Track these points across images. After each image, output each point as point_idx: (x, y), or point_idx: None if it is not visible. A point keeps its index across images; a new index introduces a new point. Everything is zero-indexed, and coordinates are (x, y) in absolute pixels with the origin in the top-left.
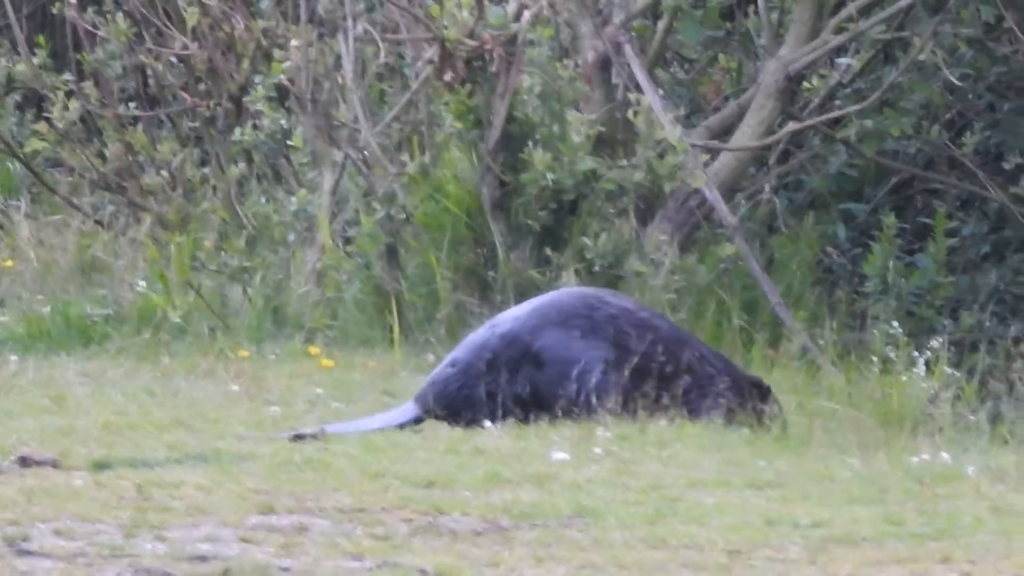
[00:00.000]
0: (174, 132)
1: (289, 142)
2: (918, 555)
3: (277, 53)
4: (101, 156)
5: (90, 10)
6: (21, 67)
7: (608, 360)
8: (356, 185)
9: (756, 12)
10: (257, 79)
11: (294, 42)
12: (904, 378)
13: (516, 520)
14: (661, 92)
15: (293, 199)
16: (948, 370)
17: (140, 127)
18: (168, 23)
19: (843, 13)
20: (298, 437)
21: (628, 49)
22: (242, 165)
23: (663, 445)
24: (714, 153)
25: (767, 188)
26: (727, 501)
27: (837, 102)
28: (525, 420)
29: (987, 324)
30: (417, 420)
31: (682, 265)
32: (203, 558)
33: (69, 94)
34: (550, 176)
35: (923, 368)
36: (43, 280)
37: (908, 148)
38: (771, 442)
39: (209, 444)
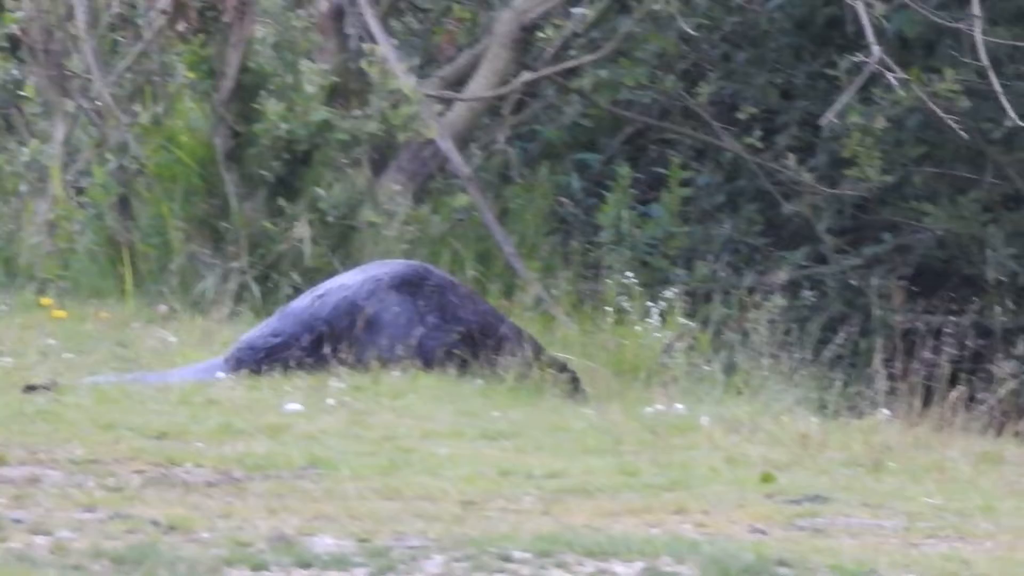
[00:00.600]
0: None
1: (21, 92)
2: (652, 505)
3: (9, 3)
4: None
5: None
6: None
7: (439, 325)
8: (88, 135)
9: None
10: None
11: None
12: (638, 328)
13: (249, 471)
14: (395, 42)
15: (25, 150)
16: (682, 320)
17: None
18: None
19: None
20: (30, 388)
21: None
22: None
23: (397, 396)
24: (448, 103)
25: (501, 138)
26: (461, 452)
27: (572, 52)
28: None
29: (721, 274)
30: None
31: (416, 215)
32: None
33: None
34: (284, 126)
35: (657, 318)
36: None
37: (643, 98)
38: (505, 393)
39: None
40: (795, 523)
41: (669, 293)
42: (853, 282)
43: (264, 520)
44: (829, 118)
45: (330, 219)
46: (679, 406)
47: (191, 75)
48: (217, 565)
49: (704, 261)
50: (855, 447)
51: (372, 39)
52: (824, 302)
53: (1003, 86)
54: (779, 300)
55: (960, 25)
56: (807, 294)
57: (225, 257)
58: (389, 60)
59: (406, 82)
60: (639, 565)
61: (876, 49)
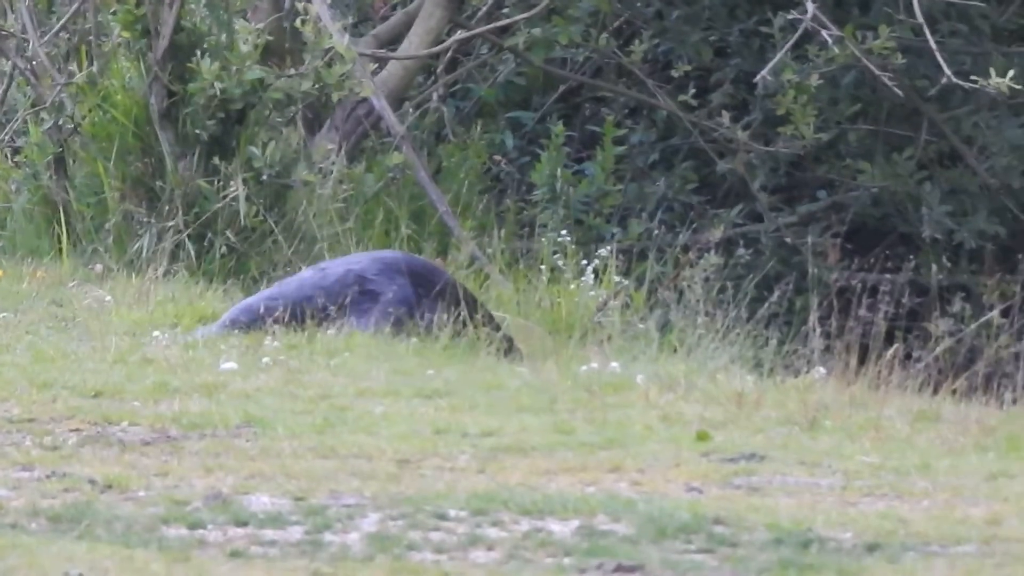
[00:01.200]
0: None
1: None
2: (588, 464)
3: None
4: None
5: None
6: None
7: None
8: (24, 95)
9: None
10: None
11: None
12: (573, 287)
13: (185, 430)
14: (329, 1)
15: None
16: (617, 278)
17: None
18: None
19: None
20: None
21: None
22: None
23: (332, 354)
24: (382, 62)
25: (435, 97)
26: (396, 410)
27: (505, 10)
28: None
29: (656, 232)
30: None
31: (350, 174)
32: None
33: None
34: (218, 85)
35: (592, 277)
36: None
37: (576, 56)
38: (440, 351)
39: None
40: (731, 482)
41: (603, 251)
42: (788, 240)
43: (200, 479)
44: (763, 76)
45: (265, 178)
46: (614, 364)
47: (126, 34)
48: (154, 523)
49: (638, 219)
50: (791, 405)
51: None
52: (759, 260)
53: (938, 43)
54: (714, 258)
55: None
56: (742, 252)
57: (160, 216)
58: (323, 19)
59: (340, 41)
60: (575, 523)
61: (811, 6)
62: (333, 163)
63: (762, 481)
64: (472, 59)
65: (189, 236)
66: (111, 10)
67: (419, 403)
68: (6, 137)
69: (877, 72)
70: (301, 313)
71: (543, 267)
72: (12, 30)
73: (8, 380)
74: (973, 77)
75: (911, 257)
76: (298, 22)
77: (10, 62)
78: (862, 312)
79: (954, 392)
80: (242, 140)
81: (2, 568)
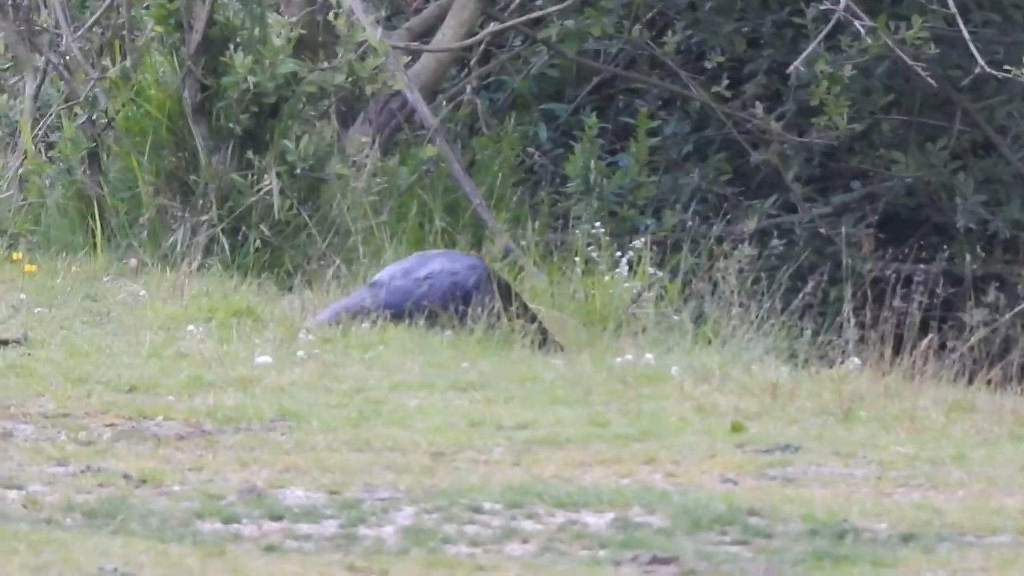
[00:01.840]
0: None
1: None
2: (622, 456)
3: None
4: None
5: None
6: None
7: None
8: (58, 90)
9: None
10: None
11: None
12: (607, 279)
13: (219, 424)
14: None
15: None
16: (651, 270)
17: None
18: None
19: None
20: (2, 343)
21: None
22: None
23: (366, 348)
24: (415, 55)
25: (468, 89)
26: (430, 403)
27: (538, 2)
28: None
29: (689, 223)
30: None
31: (384, 167)
32: None
33: None
34: (251, 79)
35: (626, 268)
36: None
37: (609, 48)
38: (474, 344)
39: None
40: (766, 473)
41: (637, 243)
42: (822, 231)
43: (235, 473)
44: (797, 66)
45: (298, 171)
46: (649, 356)
47: (159, 29)
48: (188, 518)
49: (672, 211)
50: (825, 396)
51: None
52: (793, 251)
53: (971, 33)
54: (748, 249)
55: None
56: (776, 243)
57: (194, 210)
58: (356, 12)
59: (373, 34)
60: (609, 516)
61: None
62: (367, 156)
63: (797, 472)
64: (505, 51)
65: (223, 230)
66: (144, 4)
67: (453, 396)
68: (40, 132)
69: (910, 62)
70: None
71: (577, 259)
72: (45, 25)
73: (43, 375)
74: (1006, 67)
75: (945, 247)
76: (331, 15)
77: (43, 57)
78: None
79: (989, 382)
80: (276, 134)
81: (37, 563)
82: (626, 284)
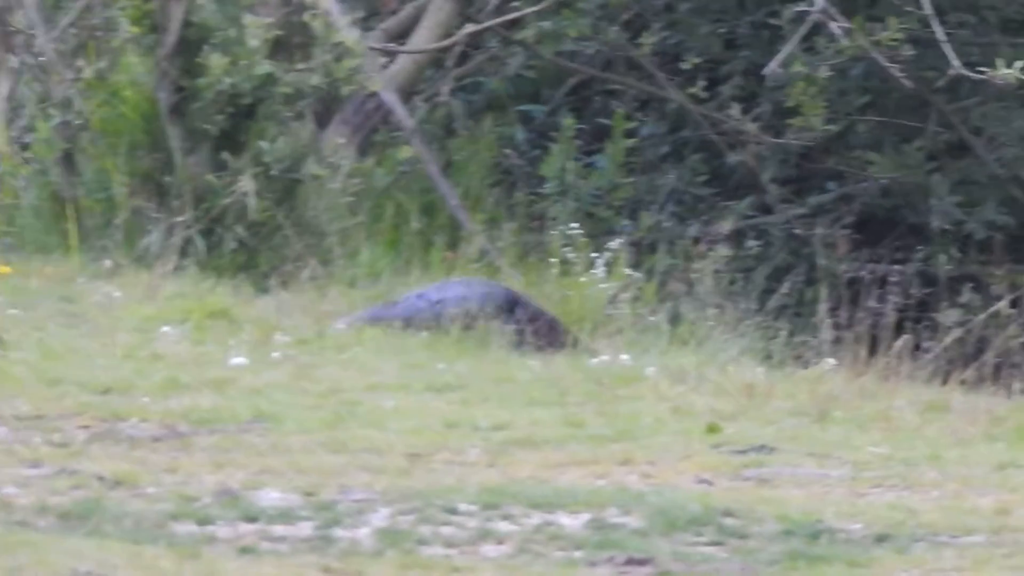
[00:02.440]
0: None
1: None
2: (599, 456)
3: None
4: None
5: None
6: None
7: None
8: (32, 91)
9: None
10: None
11: None
12: (583, 279)
13: (195, 425)
14: None
15: None
16: (627, 271)
17: None
18: None
19: None
20: None
21: None
22: None
23: (342, 349)
24: (392, 56)
25: (445, 91)
26: (406, 404)
27: (515, 3)
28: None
29: (666, 224)
30: None
31: (360, 168)
32: None
33: None
34: (227, 80)
35: (602, 269)
36: None
37: (586, 49)
38: (451, 345)
39: None
40: (741, 473)
41: (614, 244)
42: (798, 231)
43: (210, 474)
44: (773, 68)
45: (274, 173)
46: (625, 357)
47: (134, 30)
48: (163, 520)
49: (649, 212)
50: (801, 397)
51: None
52: (769, 252)
53: (947, 34)
54: (724, 250)
55: None
56: (752, 244)
57: (170, 211)
58: (332, 13)
59: (349, 35)
60: (585, 516)
61: None
62: (343, 157)
63: (772, 473)
64: (482, 52)
65: (198, 231)
66: (119, 5)
67: (430, 397)
68: (15, 133)
69: (886, 64)
70: None
71: (554, 260)
72: (20, 26)
73: (17, 377)
74: (981, 68)
75: (920, 248)
76: (307, 16)
77: (18, 58)
78: (872, 303)
79: (963, 382)
80: (251, 135)
81: (11, 565)
82: (602, 285)
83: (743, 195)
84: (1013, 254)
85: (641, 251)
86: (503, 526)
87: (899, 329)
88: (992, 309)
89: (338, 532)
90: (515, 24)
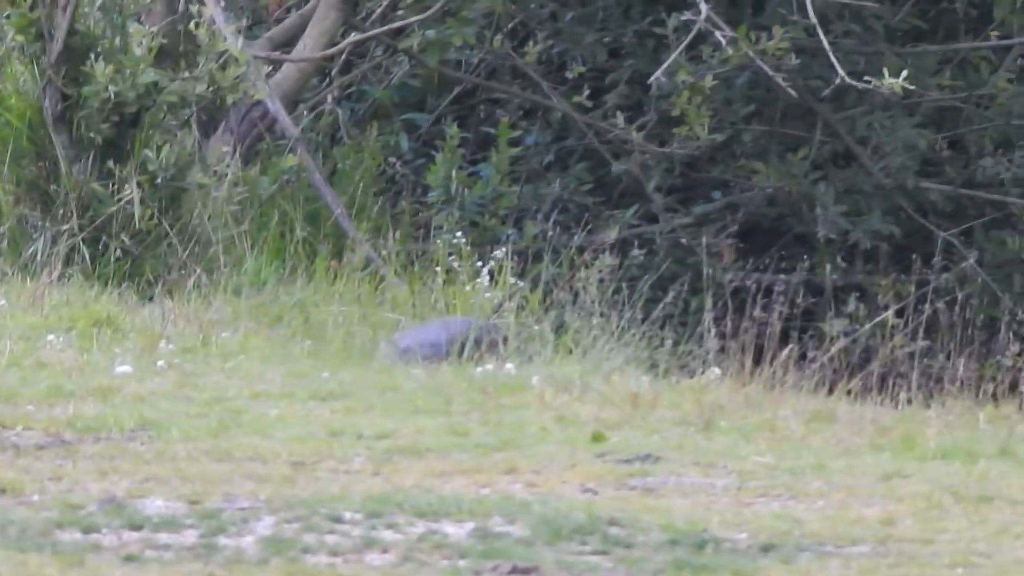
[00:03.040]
0: None
1: None
2: (483, 465)
3: None
4: None
5: None
6: None
7: None
8: None
9: None
10: None
11: None
12: (468, 288)
13: (79, 433)
14: (223, 3)
15: None
16: (512, 280)
17: None
18: None
19: None
20: None
21: None
22: None
23: (226, 357)
24: (276, 64)
25: (329, 99)
26: (291, 413)
27: (400, 12)
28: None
29: (551, 233)
30: None
31: (245, 177)
32: None
33: None
34: (112, 89)
35: (487, 278)
36: None
37: (471, 58)
38: (335, 353)
39: None
40: (626, 483)
41: (499, 253)
42: (683, 241)
43: (95, 482)
44: (658, 76)
45: (159, 181)
46: (509, 366)
47: (19, 38)
48: (48, 528)
49: (534, 221)
50: (686, 406)
51: (200, 0)
52: (654, 261)
53: (832, 43)
54: (609, 259)
55: None
56: (637, 253)
57: (55, 220)
58: (217, 21)
59: (234, 43)
60: (470, 525)
61: (704, 7)
62: (228, 166)
63: (657, 482)
64: (367, 61)
65: (84, 240)
66: (4, 13)
67: (314, 405)
68: None
69: (771, 73)
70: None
71: (438, 269)
72: None
73: None
74: (867, 77)
75: (806, 257)
76: (192, 25)
77: None
78: (757, 312)
79: (849, 392)
80: (137, 143)
81: None
82: (487, 294)
83: (628, 204)
84: (898, 264)
85: (526, 260)
86: (388, 535)
87: (785, 338)
88: (878, 319)
89: (223, 540)
90: (400, 33)
